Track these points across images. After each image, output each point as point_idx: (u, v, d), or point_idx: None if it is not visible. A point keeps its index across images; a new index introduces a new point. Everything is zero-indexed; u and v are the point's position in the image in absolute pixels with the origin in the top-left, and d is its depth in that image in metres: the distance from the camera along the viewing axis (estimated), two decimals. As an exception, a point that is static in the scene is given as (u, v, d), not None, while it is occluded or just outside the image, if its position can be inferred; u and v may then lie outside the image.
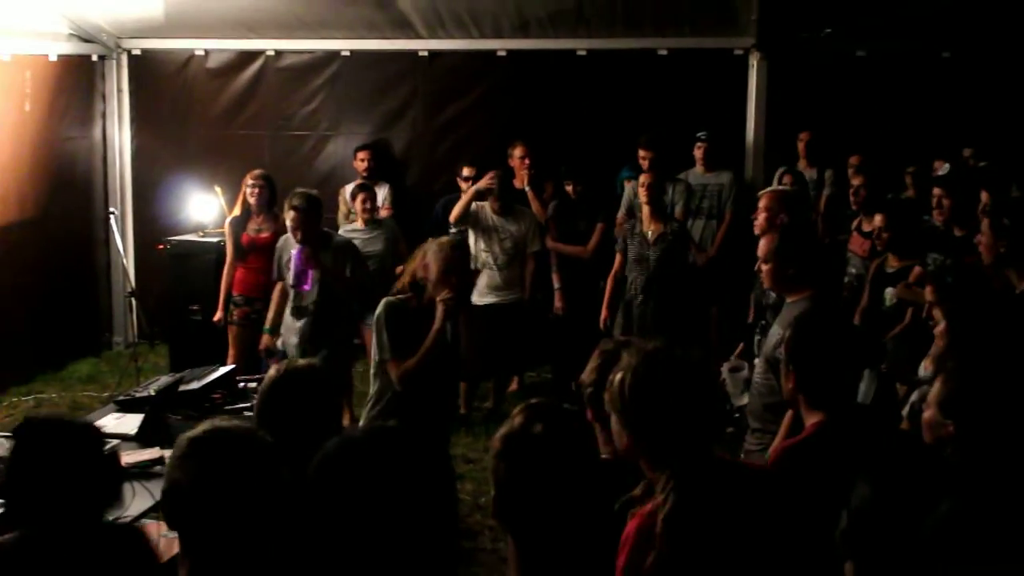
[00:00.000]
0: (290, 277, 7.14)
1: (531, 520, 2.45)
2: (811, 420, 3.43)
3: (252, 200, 8.11)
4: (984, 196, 6.58)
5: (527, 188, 8.89)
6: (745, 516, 2.60)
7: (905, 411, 4.69)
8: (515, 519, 2.48)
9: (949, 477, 2.56)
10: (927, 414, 3.04)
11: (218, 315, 8.17)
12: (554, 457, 2.46)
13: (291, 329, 7.33)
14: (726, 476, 2.71)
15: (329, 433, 2.40)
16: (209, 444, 2.37)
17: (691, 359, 2.76)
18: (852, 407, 3.48)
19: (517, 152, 9.01)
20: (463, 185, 8.93)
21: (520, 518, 2.47)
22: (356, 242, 7.85)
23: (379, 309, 5.37)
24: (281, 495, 2.44)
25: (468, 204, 8.24)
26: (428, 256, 5.34)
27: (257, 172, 8.27)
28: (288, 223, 7.11)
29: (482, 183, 8.23)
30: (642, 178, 7.87)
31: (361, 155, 9.62)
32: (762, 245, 5.05)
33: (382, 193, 9.43)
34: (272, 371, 3.55)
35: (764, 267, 5.00)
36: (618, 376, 2.74)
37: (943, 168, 8.41)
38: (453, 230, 8.68)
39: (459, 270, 5.40)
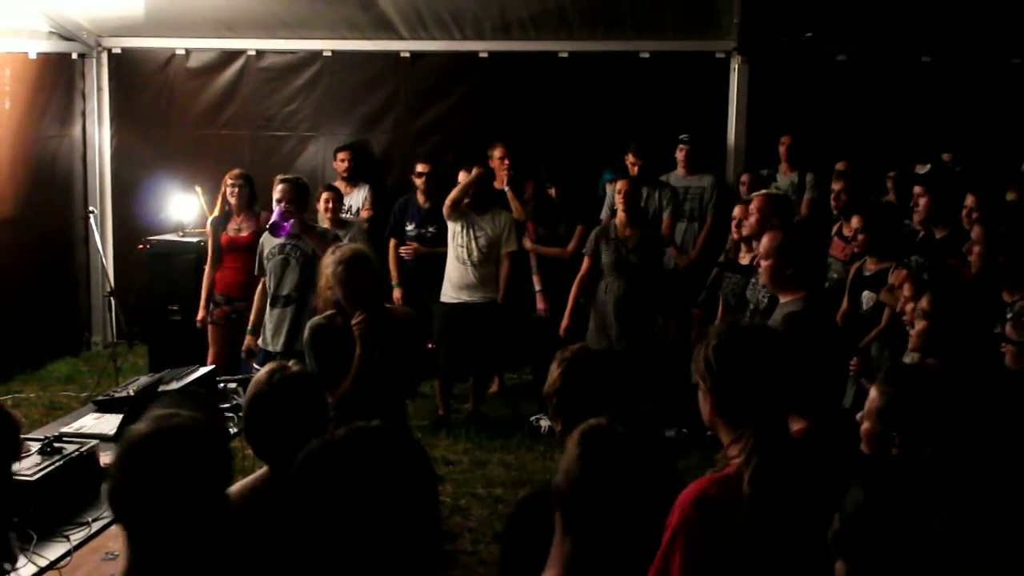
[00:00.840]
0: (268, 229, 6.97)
1: (598, 514, 2.46)
2: (796, 427, 3.44)
3: (232, 200, 8.09)
4: (970, 199, 6.59)
5: (506, 188, 8.90)
6: (812, 481, 2.71)
7: None
8: (581, 513, 2.48)
9: (942, 482, 2.57)
10: (865, 426, 3.06)
11: (200, 315, 8.12)
12: (634, 452, 2.51)
13: (268, 319, 7.30)
14: (795, 443, 2.87)
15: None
16: (151, 446, 2.35)
17: (769, 330, 2.99)
18: (836, 414, 3.48)
19: (497, 153, 9.02)
20: (417, 182, 8.95)
21: (588, 511, 2.47)
22: None
23: (305, 332, 5.21)
24: (224, 489, 2.44)
25: (461, 196, 8.22)
26: (328, 276, 5.12)
27: (236, 172, 8.25)
28: (275, 196, 6.98)
29: (472, 176, 8.28)
30: (620, 184, 7.85)
31: (341, 155, 9.61)
32: (764, 241, 5.03)
33: (362, 194, 9.44)
34: (255, 383, 3.41)
35: (763, 263, 4.99)
36: (705, 345, 2.89)
37: (924, 170, 8.46)
38: (410, 227, 8.72)
39: (360, 285, 5.06)
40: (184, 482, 2.32)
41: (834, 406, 3.52)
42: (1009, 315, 4.67)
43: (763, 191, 7.10)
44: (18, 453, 3.21)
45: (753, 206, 5.95)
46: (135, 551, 2.36)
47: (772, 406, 2.82)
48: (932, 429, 2.84)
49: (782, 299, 4.96)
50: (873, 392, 3.04)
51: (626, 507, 2.44)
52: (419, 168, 9.00)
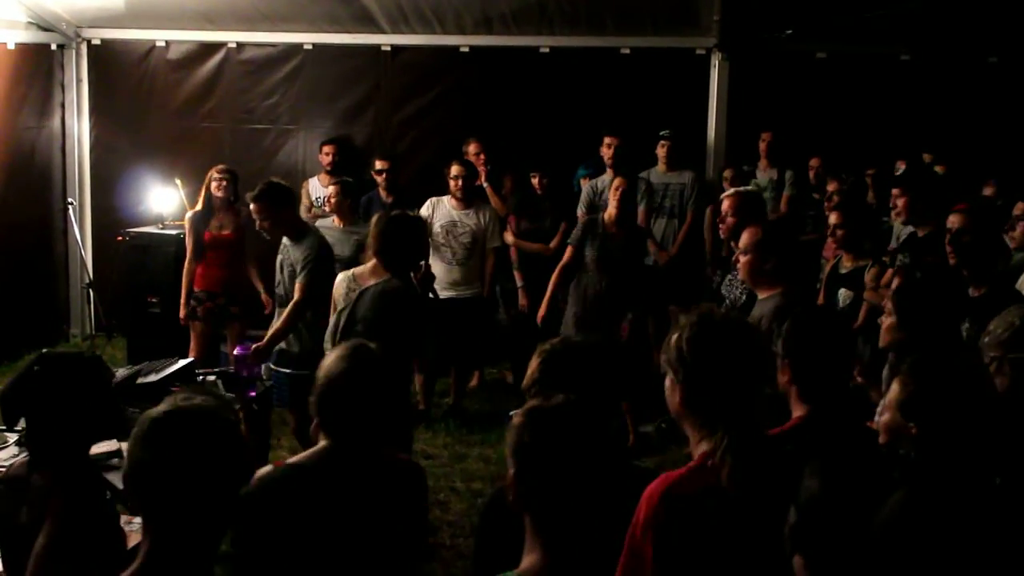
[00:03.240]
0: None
1: (553, 494, 2.46)
2: (797, 413, 3.46)
3: (220, 194, 8.07)
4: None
5: (485, 184, 8.91)
6: (785, 476, 2.67)
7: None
8: (535, 496, 2.48)
9: (898, 470, 2.60)
10: (885, 417, 3.07)
11: (182, 313, 8.09)
12: (579, 424, 2.50)
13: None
14: (765, 444, 2.83)
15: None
16: (170, 424, 2.38)
17: (744, 323, 2.94)
18: (841, 403, 3.49)
19: (471, 148, 9.06)
20: (378, 179, 8.95)
21: (540, 493, 2.48)
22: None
23: (374, 300, 5.44)
24: (242, 473, 2.47)
25: None
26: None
27: (222, 166, 8.24)
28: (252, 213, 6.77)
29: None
30: (616, 182, 7.75)
31: (327, 149, 9.60)
32: (744, 237, 5.05)
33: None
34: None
35: (742, 259, 5.01)
36: (676, 335, 2.86)
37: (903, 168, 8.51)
38: None
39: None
40: (200, 461, 2.35)
41: (839, 397, 3.50)
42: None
43: (732, 190, 7.13)
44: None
45: (725, 207, 5.95)
46: (152, 534, 2.39)
47: (743, 400, 2.80)
48: (950, 424, 2.85)
49: (760, 295, 4.98)
50: (895, 384, 3.05)
51: (580, 483, 2.44)
52: (378, 165, 8.97)
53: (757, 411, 2.87)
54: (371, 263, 5.86)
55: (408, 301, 5.56)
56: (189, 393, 2.50)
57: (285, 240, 6.72)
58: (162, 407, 2.42)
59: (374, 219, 5.83)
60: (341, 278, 6.03)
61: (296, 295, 6.47)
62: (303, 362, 6.07)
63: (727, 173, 8.94)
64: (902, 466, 2.81)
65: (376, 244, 5.65)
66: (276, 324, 6.57)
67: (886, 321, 4.37)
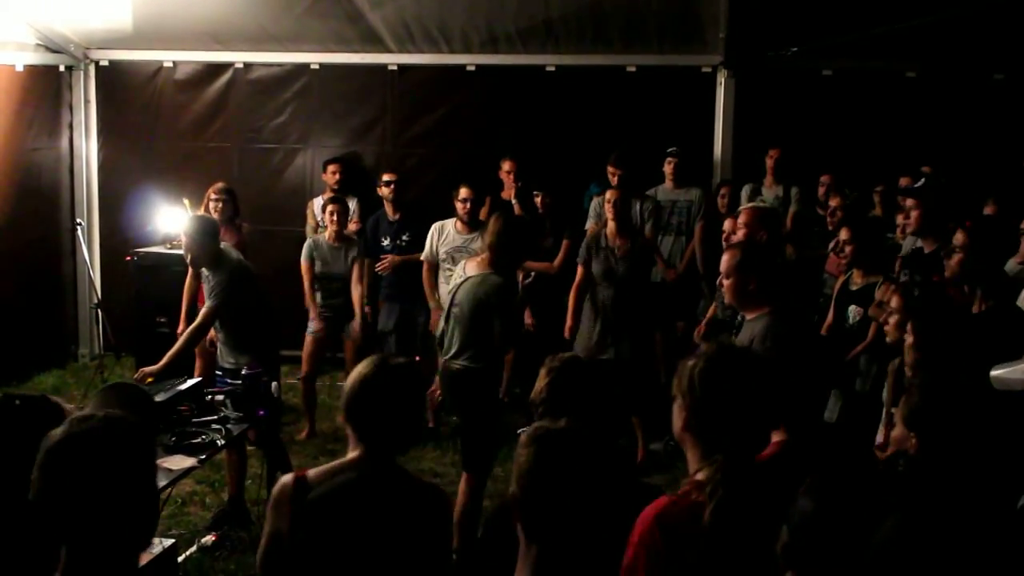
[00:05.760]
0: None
1: (555, 515, 2.47)
2: (776, 438, 3.46)
3: (216, 215, 8.09)
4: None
5: (513, 200, 9.00)
6: (774, 514, 2.67)
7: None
8: (538, 516, 2.49)
9: (893, 492, 2.60)
10: (896, 431, 3.08)
11: (180, 328, 8.09)
12: (582, 449, 2.53)
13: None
14: (765, 474, 2.85)
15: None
16: (67, 450, 2.37)
17: (761, 359, 2.96)
18: (816, 427, 3.51)
19: (506, 166, 9.16)
20: (383, 191, 8.97)
21: (544, 513, 2.48)
22: (320, 254, 7.93)
23: (500, 293, 6.13)
24: (147, 477, 2.45)
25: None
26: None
27: (219, 186, 8.27)
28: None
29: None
30: (608, 194, 7.83)
31: (332, 168, 9.62)
32: (724, 260, 5.08)
33: (351, 207, 9.43)
34: (362, 371, 3.35)
35: (726, 282, 5.03)
36: (691, 362, 2.90)
37: (907, 183, 8.49)
38: (385, 243, 8.73)
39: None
40: (100, 481, 2.33)
41: (814, 419, 3.52)
42: None
43: (750, 204, 7.13)
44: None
45: (741, 220, 5.96)
46: (67, 556, 2.38)
47: (745, 436, 2.83)
48: (949, 437, 2.86)
49: (748, 316, 4.98)
50: (903, 400, 3.07)
51: (583, 508, 2.45)
52: (386, 177, 9.00)
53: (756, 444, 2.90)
54: (482, 255, 6.38)
55: (501, 292, 6.15)
56: (88, 411, 2.49)
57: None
58: (58, 432, 2.40)
59: (492, 217, 6.54)
60: (458, 268, 6.64)
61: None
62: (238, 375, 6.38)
63: (724, 190, 8.94)
64: (898, 486, 2.82)
65: (490, 238, 6.24)
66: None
67: (909, 357, 4.37)
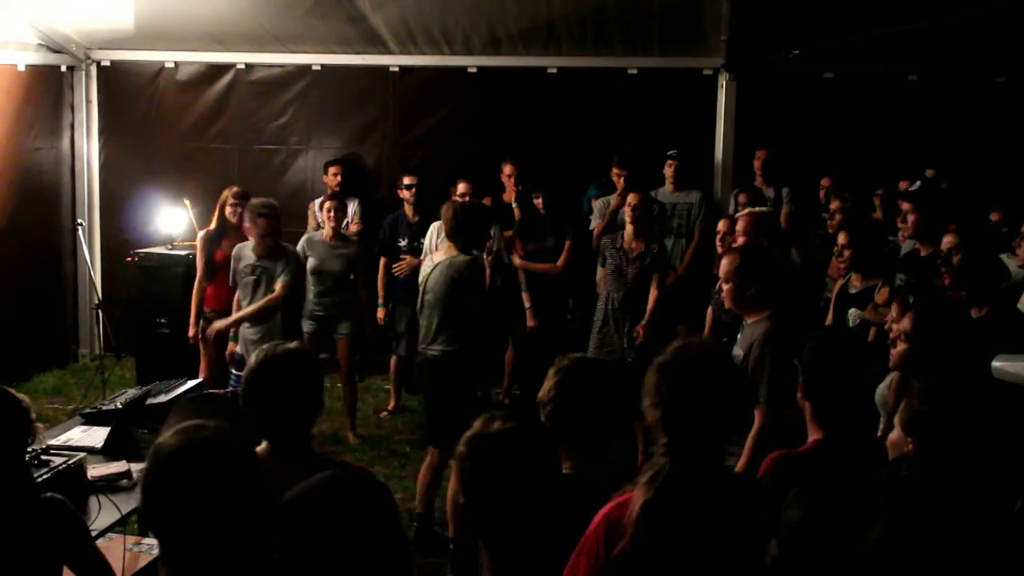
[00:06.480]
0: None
1: (497, 520, 2.49)
2: (812, 436, 3.46)
3: (234, 219, 8.08)
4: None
5: (514, 203, 8.99)
6: (716, 521, 2.68)
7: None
8: (482, 520, 2.51)
9: (882, 499, 2.60)
10: (894, 434, 3.08)
11: (191, 331, 8.07)
12: (517, 452, 2.57)
13: (248, 340, 7.40)
14: (711, 479, 2.80)
15: None
16: (185, 457, 2.37)
17: (724, 361, 2.96)
18: (855, 433, 3.49)
19: (507, 169, 9.13)
20: (404, 194, 8.97)
21: (487, 518, 2.50)
22: (315, 250, 8.12)
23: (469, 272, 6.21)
24: (255, 499, 2.44)
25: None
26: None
27: (237, 190, 8.22)
28: (256, 231, 7.38)
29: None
30: (630, 198, 7.80)
31: (332, 170, 9.62)
32: (723, 264, 5.09)
33: (352, 208, 9.42)
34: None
35: (725, 287, 5.04)
36: (659, 359, 2.93)
37: (908, 186, 8.50)
38: (402, 243, 8.74)
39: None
40: (215, 495, 2.34)
41: (855, 422, 3.50)
42: None
43: (748, 210, 7.12)
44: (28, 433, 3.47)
45: (739, 227, 5.96)
46: (170, 563, 2.39)
47: (701, 435, 2.80)
48: (945, 442, 2.86)
49: (748, 320, 4.99)
50: (903, 404, 3.07)
51: (526, 511, 2.47)
52: (406, 180, 9.01)
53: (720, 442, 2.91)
54: (445, 245, 6.50)
55: (470, 267, 6.24)
56: (199, 420, 2.49)
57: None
58: (174, 439, 2.41)
59: (443, 208, 6.65)
60: (427, 261, 6.82)
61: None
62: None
63: (742, 198, 8.86)
64: (888, 493, 2.82)
65: (446, 226, 6.40)
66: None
67: (899, 347, 4.36)
